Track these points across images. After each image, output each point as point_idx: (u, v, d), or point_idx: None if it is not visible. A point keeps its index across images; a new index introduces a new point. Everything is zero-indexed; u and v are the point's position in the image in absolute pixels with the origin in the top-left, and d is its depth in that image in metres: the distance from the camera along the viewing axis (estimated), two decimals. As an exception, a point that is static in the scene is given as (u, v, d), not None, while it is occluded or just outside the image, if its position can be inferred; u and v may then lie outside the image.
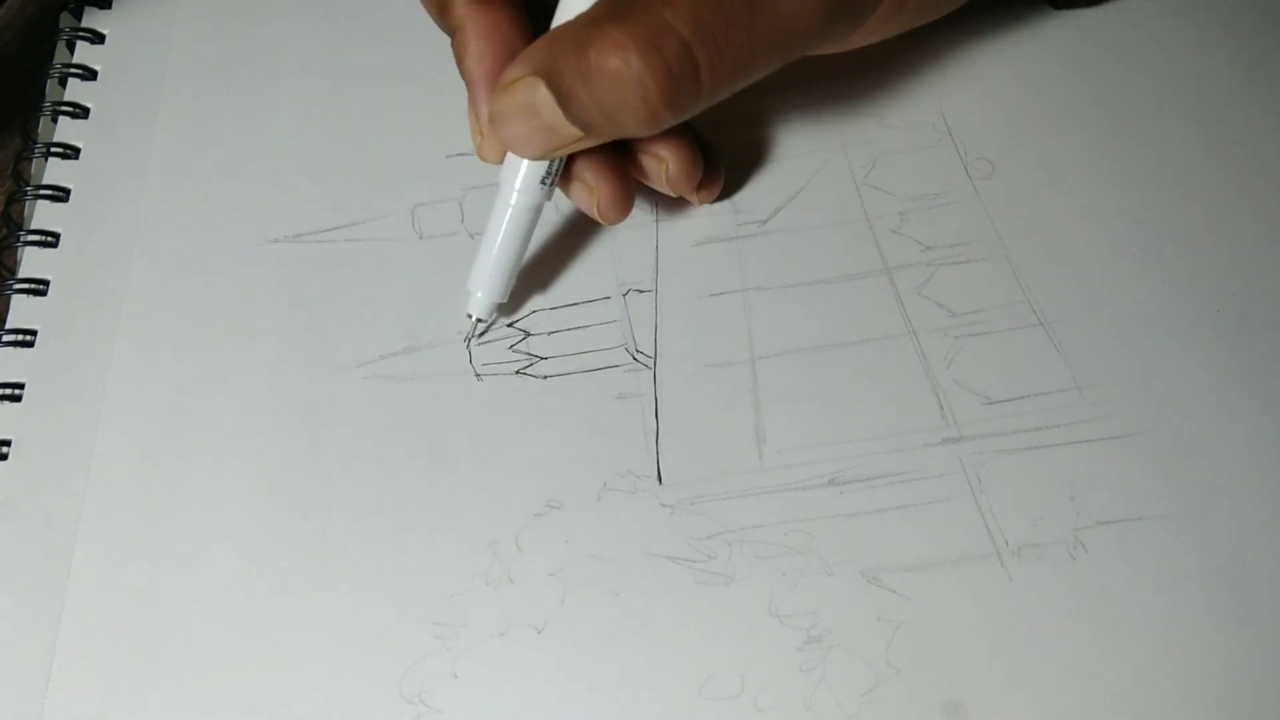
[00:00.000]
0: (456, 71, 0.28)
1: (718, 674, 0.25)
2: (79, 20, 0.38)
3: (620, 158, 0.29)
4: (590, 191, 0.28)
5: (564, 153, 0.27)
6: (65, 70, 0.36)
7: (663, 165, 0.29)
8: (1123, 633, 0.25)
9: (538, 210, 0.28)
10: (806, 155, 0.33)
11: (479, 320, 0.30)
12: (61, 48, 0.37)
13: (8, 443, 0.29)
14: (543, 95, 0.24)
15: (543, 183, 0.28)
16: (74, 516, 0.28)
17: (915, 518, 0.27)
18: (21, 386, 0.30)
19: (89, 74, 0.36)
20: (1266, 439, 0.28)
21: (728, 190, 0.32)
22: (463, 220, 0.33)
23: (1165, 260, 0.31)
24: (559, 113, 0.24)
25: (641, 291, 0.31)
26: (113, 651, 0.26)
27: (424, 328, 0.30)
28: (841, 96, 0.34)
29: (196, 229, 0.33)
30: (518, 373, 0.30)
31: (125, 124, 0.35)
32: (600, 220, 0.29)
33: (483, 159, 0.28)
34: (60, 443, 0.29)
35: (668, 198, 0.31)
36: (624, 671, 0.25)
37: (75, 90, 0.36)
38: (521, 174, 0.27)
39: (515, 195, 0.28)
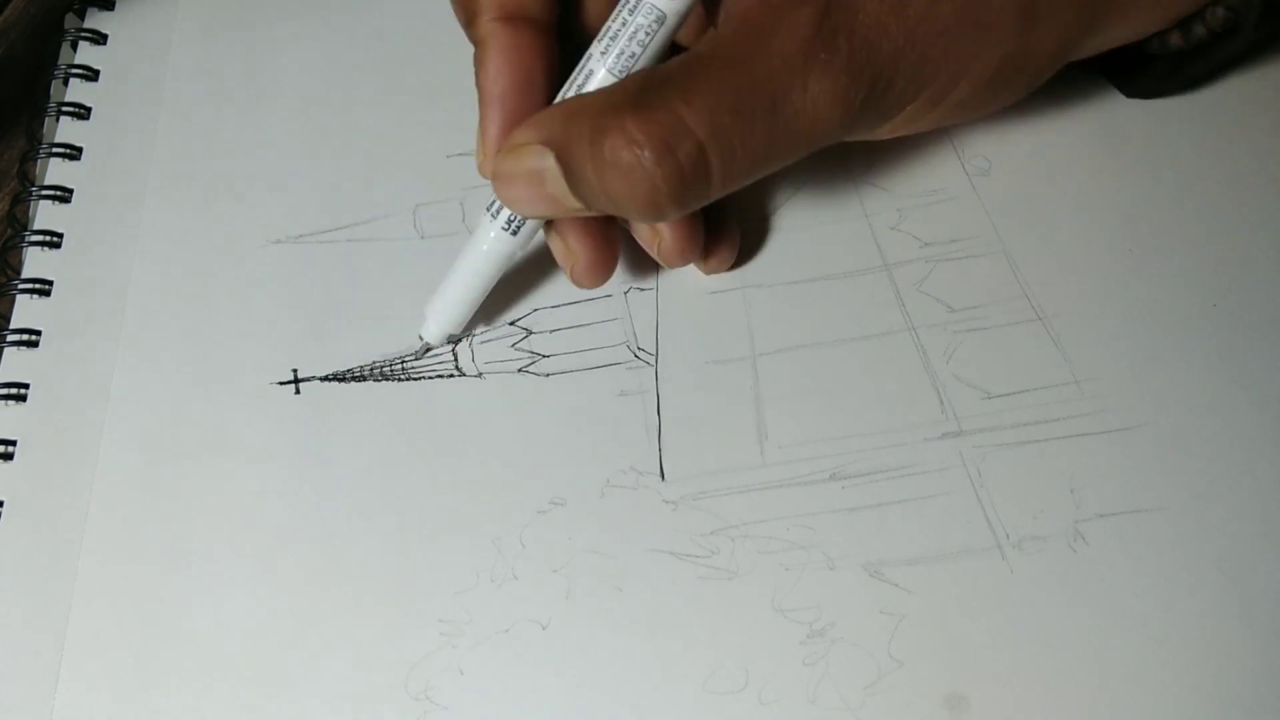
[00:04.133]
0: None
1: (722, 668, 0.25)
2: (82, 21, 0.38)
3: (609, 225, 0.28)
4: (570, 255, 0.28)
5: (560, 216, 0.27)
6: (68, 71, 0.36)
7: (657, 238, 0.29)
8: (1123, 624, 0.25)
9: (512, 258, 0.28)
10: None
11: (427, 346, 0.30)
12: (66, 48, 0.37)
13: (13, 443, 0.29)
14: (550, 167, 0.24)
15: (514, 232, 0.27)
16: (80, 516, 0.28)
17: (917, 512, 0.27)
18: (26, 387, 0.30)
19: (91, 75, 0.36)
20: (1264, 431, 0.28)
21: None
22: (464, 220, 0.33)
23: (1162, 255, 0.31)
24: (565, 187, 0.24)
25: (642, 289, 0.31)
26: (120, 651, 0.26)
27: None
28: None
29: (199, 230, 0.33)
30: (520, 371, 0.30)
31: (127, 125, 0.35)
32: (573, 283, 0.29)
33: (483, 176, 0.28)
34: (65, 443, 0.29)
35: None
36: (629, 666, 0.25)
37: (77, 91, 0.36)
38: (507, 219, 0.27)
39: (494, 239, 0.28)
